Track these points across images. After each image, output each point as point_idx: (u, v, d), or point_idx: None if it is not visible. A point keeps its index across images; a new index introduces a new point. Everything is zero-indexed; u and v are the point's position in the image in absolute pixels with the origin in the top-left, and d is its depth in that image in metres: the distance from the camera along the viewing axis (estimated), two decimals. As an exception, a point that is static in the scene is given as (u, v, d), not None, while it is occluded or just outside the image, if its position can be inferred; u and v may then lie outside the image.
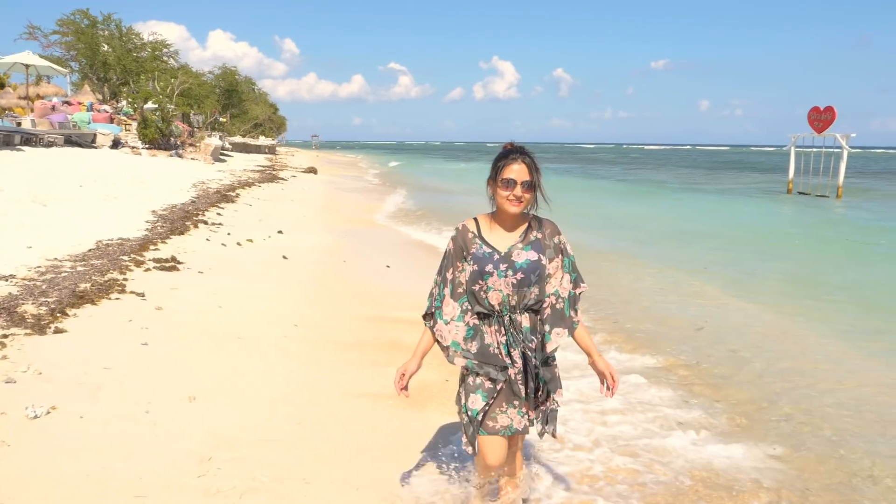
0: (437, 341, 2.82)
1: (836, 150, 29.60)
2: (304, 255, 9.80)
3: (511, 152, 2.68)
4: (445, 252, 2.83)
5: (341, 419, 4.20)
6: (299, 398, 4.45)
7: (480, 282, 2.69)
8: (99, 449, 3.44)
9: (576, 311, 2.81)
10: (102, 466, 3.27)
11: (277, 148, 66.01)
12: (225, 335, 5.59)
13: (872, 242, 14.61)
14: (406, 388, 2.79)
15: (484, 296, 2.70)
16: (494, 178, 2.69)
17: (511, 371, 2.72)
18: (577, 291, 2.81)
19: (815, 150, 30.93)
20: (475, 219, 2.81)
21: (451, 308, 2.78)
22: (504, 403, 2.74)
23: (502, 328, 2.72)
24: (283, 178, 26.85)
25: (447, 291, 2.79)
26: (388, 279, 8.58)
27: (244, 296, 6.97)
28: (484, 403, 2.73)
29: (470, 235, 2.76)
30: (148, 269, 7.61)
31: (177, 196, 15.35)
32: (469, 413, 2.76)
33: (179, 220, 11.50)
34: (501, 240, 2.73)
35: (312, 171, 33.97)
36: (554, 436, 2.87)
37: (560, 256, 2.77)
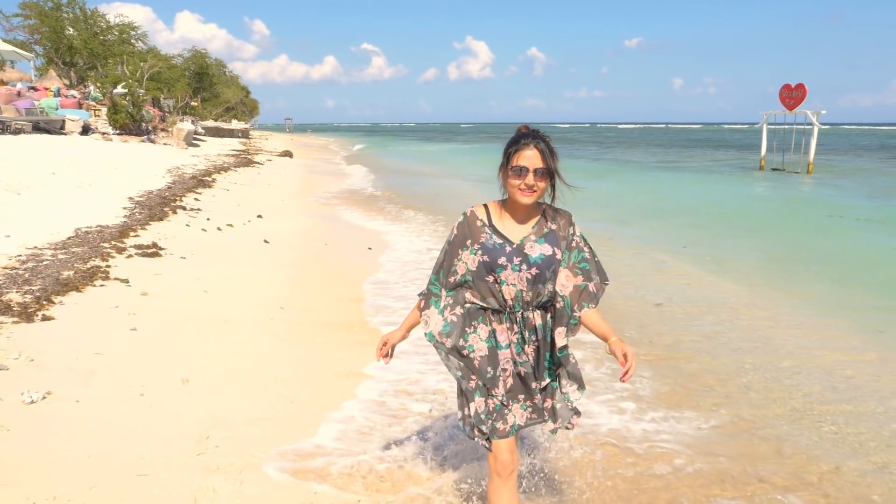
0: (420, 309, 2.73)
1: (807, 127, 30.14)
2: (285, 238, 9.82)
3: (523, 136, 2.46)
4: (448, 238, 2.66)
5: (332, 398, 4.31)
6: (290, 378, 4.54)
7: (493, 275, 2.50)
8: (97, 431, 3.51)
9: (579, 308, 2.57)
10: (102, 448, 3.34)
11: (251, 132, 65.17)
12: (212, 319, 5.64)
13: (846, 217, 15.00)
14: (388, 355, 2.74)
15: (498, 289, 2.52)
16: (505, 164, 2.48)
17: (521, 369, 2.59)
18: (593, 287, 2.60)
19: (786, 126, 31.47)
20: (485, 205, 2.61)
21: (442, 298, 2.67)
22: (510, 402, 2.61)
23: (515, 325, 2.57)
24: (258, 163, 26.62)
25: (439, 279, 2.66)
26: (371, 261, 8.66)
27: (228, 280, 7.01)
28: (483, 401, 2.60)
29: (479, 223, 2.56)
30: (130, 256, 7.59)
31: (152, 182, 15.19)
32: (474, 419, 2.62)
33: (157, 207, 11.43)
34: (513, 230, 2.54)
35: (288, 154, 33.70)
36: (569, 427, 2.68)
37: (568, 253, 2.58)
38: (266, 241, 9.38)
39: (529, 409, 2.65)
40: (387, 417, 4.08)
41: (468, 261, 2.56)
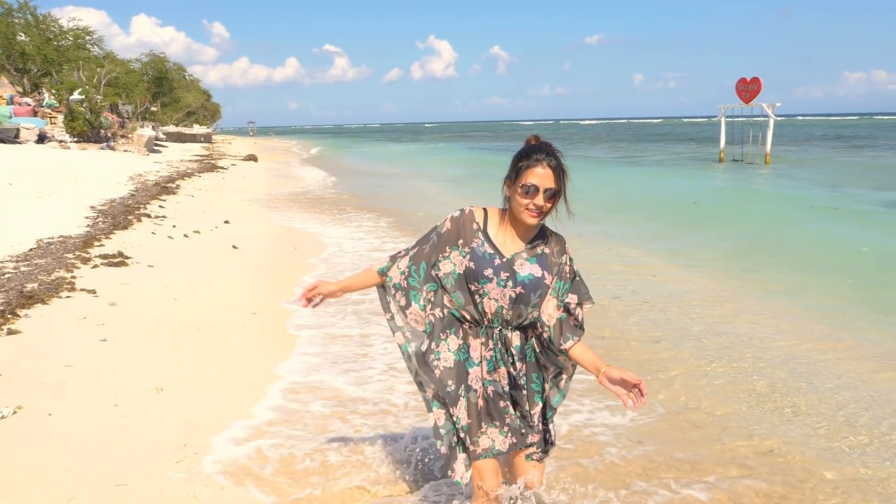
0: (383, 304, 2.62)
1: (763, 119, 30.95)
2: (253, 243, 9.77)
3: (536, 151, 2.31)
4: (437, 228, 2.51)
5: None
6: (266, 382, 4.55)
7: (476, 284, 2.38)
8: (72, 444, 3.48)
9: (565, 338, 2.45)
10: (79, 460, 3.32)
11: (213, 136, 64.25)
12: (184, 326, 5.61)
13: (803, 206, 15.45)
14: (311, 301, 2.62)
15: (479, 300, 2.39)
16: (513, 178, 2.33)
17: (490, 389, 2.45)
18: (579, 312, 2.48)
19: (743, 119, 32.26)
20: (484, 209, 2.47)
21: (427, 290, 2.54)
22: (483, 424, 2.45)
23: (490, 342, 2.44)
24: (223, 168, 26.30)
25: (418, 271, 2.51)
26: (343, 264, 8.66)
27: (198, 287, 6.96)
28: (441, 413, 2.49)
29: (474, 226, 2.43)
30: (96, 266, 7.48)
31: (114, 190, 14.93)
32: (432, 432, 2.55)
33: (121, 215, 11.25)
34: (507, 243, 2.41)
35: (252, 158, 33.35)
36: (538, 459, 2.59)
37: (560, 282, 2.46)
38: (235, 247, 9.31)
39: (509, 434, 2.47)
40: (366, 418, 4.12)
41: (456, 262, 2.42)
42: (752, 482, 3.39)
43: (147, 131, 32.55)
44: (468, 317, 2.44)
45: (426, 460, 3.42)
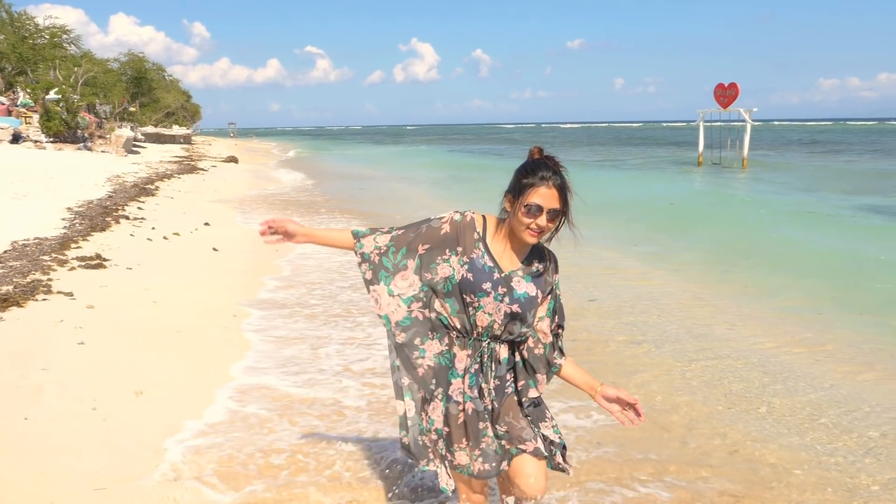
0: (363, 275, 2.40)
1: (740, 124, 31.38)
2: (234, 245, 9.71)
3: (542, 168, 2.20)
4: (431, 223, 2.36)
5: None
6: (248, 385, 4.54)
7: (472, 296, 2.26)
8: (50, 448, 3.45)
9: (560, 351, 2.45)
10: (56, 464, 3.29)
11: (193, 137, 63.67)
12: (164, 329, 5.57)
13: (779, 210, 15.70)
14: (269, 233, 2.45)
15: (472, 312, 2.28)
16: (516, 194, 2.22)
17: (469, 405, 2.34)
18: (560, 333, 2.46)
19: (721, 124, 32.69)
20: (483, 217, 2.36)
21: (406, 283, 2.35)
22: (463, 440, 2.36)
23: (477, 354, 2.34)
24: (203, 169, 26.08)
25: (410, 262, 2.34)
26: (326, 268, 8.64)
27: (178, 289, 6.91)
28: (413, 404, 2.39)
29: (475, 235, 2.30)
30: (73, 268, 7.39)
31: (91, 191, 14.76)
32: (399, 421, 2.45)
33: (99, 217, 11.13)
34: (505, 258, 2.31)
35: (233, 160, 33.09)
36: (565, 471, 2.50)
37: (548, 298, 2.41)
38: (215, 249, 9.25)
39: (479, 458, 2.35)
40: (348, 417, 4.13)
41: (455, 268, 2.28)
42: (718, 481, 3.45)
43: (125, 132, 32.19)
44: (458, 326, 2.32)
45: (383, 462, 3.47)
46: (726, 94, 31.19)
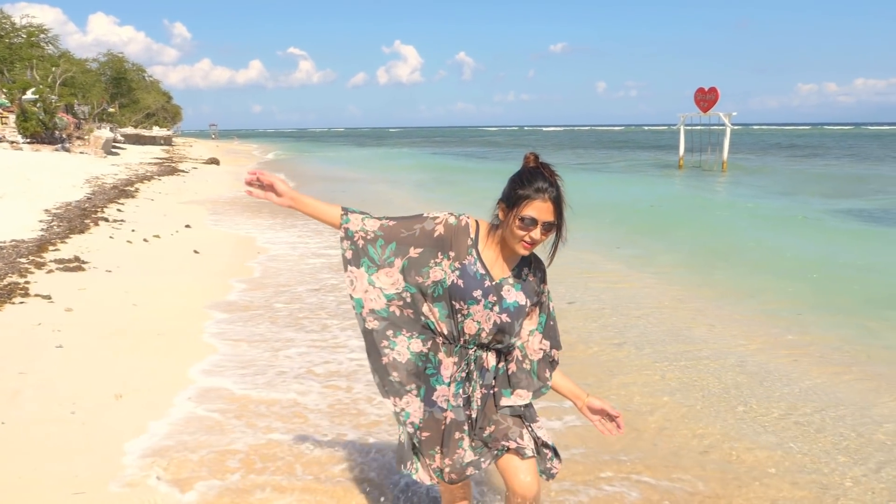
0: (343, 252, 2.30)
1: (720, 128, 31.77)
2: (216, 248, 9.65)
3: (537, 179, 2.13)
4: (425, 224, 2.27)
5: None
6: (231, 388, 4.52)
7: (462, 304, 2.21)
8: (28, 452, 3.42)
9: (549, 375, 2.40)
10: (34, 468, 3.26)
11: (174, 139, 63.10)
12: (144, 333, 5.52)
13: (757, 213, 15.91)
14: (255, 185, 2.32)
15: (460, 319, 2.23)
16: (509, 204, 2.15)
17: (449, 414, 2.29)
18: (555, 355, 2.41)
19: (701, 127, 33.08)
20: (476, 222, 2.30)
21: (389, 280, 2.28)
22: (439, 446, 2.33)
23: (464, 362, 2.27)
24: (183, 171, 25.87)
25: (398, 261, 2.26)
26: (309, 269, 8.61)
27: (159, 292, 6.85)
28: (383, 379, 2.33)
29: (468, 241, 2.24)
30: (51, 271, 7.31)
31: (70, 193, 14.59)
32: (376, 382, 2.37)
33: (77, 219, 11.01)
34: (495, 265, 2.25)
35: (214, 161, 32.84)
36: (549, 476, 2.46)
37: (537, 310, 2.37)
38: (196, 252, 9.19)
39: (448, 469, 2.31)
40: (333, 420, 4.13)
41: (447, 272, 2.22)
42: (692, 480, 3.50)
43: (104, 133, 31.82)
44: (445, 332, 2.27)
45: (342, 463, 3.50)
46: (706, 99, 31.58)
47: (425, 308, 2.27)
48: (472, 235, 2.25)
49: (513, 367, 2.36)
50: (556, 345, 2.41)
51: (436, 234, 2.24)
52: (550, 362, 2.40)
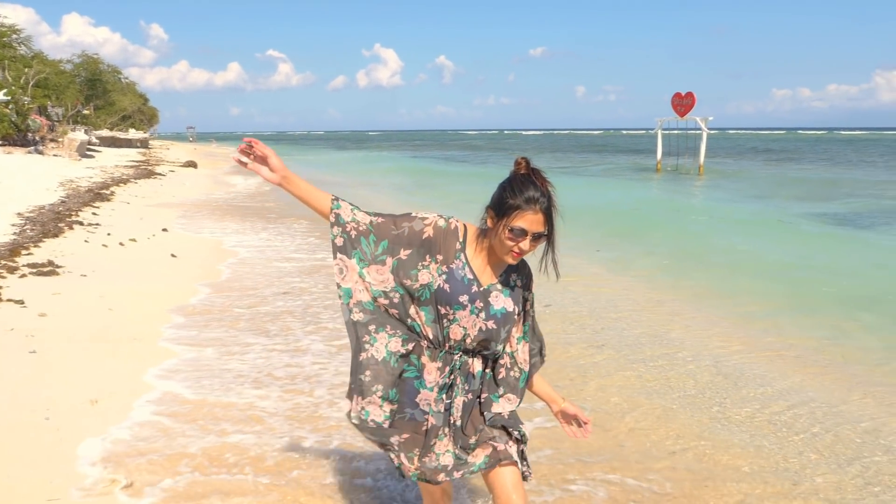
0: (333, 238, 2.23)
1: (697, 132, 32.19)
2: (193, 251, 9.56)
3: (529, 188, 2.07)
4: (413, 224, 2.20)
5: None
6: (210, 392, 4.48)
7: (447, 308, 2.16)
8: (1, 458, 3.36)
9: (532, 380, 2.41)
10: (7, 475, 3.21)
11: (150, 141, 62.37)
12: (120, 338, 5.46)
13: (732, 217, 16.13)
14: (247, 152, 2.21)
15: (446, 324, 2.18)
16: (499, 213, 2.09)
17: (430, 419, 2.23)
18: (535, 362, 2.40)
19: (678, 132, 33.51)
20: (465, 226, 2.24)
21: (380, 277, 2.21)
22: (416, 448, 2.27)
23: (448, 367, 2.22)
24: (160, 174, 25.60)
25: (389, 259, 2.20)
26: (286, 274, 8.57)
27: (135, 297, 6.77)
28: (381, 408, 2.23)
29: (457, 245, 2.19)
30: (24, 276, 7.20)
31: (43, 196, 14.37)
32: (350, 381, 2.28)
33: (51, 222, 10.84)
34: (483, 271, 2.20)
35: (192, 165, 32.53)
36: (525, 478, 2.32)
37: (529, 326, 2.35)
38: (173, 255, 9.10)
39: (422, 468, 2.26)
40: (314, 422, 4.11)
41: (434, 276, 2.17)
42: (666, 479, 3.55)
43: (79, 135, 31.35)
44: (430, 336, 2.21)
45: (297, 466, 3.51)
46: (683, 103, 31.98)
47: (412, 310, 2.22)
48: (461, 239, 2.20)
49: (502, 372, 2.32)
50: (540, 350, 2.40)
51: (424, 235, 2.18)
52: (535, 368, 2.39)
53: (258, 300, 7.00)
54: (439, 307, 2.16)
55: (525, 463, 2.33)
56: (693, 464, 3.74)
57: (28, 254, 8.33)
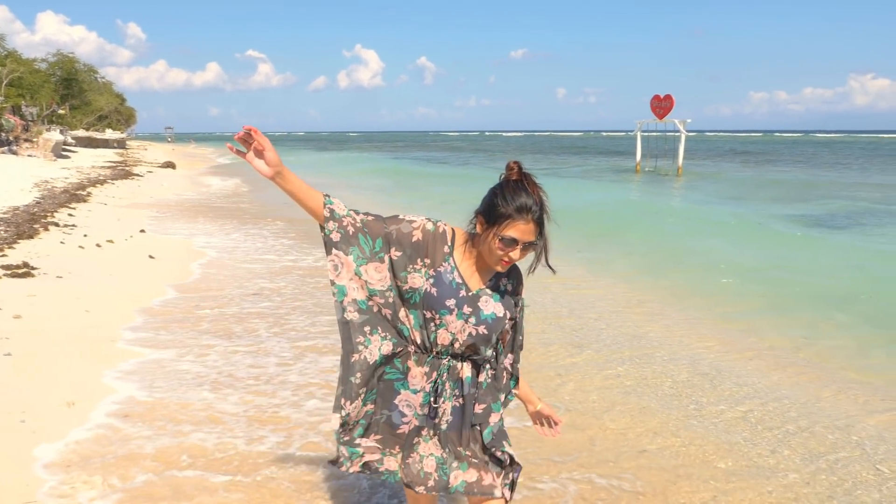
0: (329, 234, 2.12)
1: (675, 134, 32.56)
2: (171, 253, 9.48)
3: (520, 195, 2.02)
4: (401, 226, 2.13)
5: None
6: (187, 393, 4.45)
7: (433, 313, 2.11)
8: (-26, 463, 3.32)
9: (510, 392, 2.36)
10: (-18, 479, 3.17)
11: (128, 142, 61.63)
12: (97, 339, 5.41)
13: (710, 218, 16.33)
14: (244, 139, 2.05)
15: (433, 329, 2.13)
16: (489, 220, 2.05)
17: (412, 420, 2.19)
18: (516, 370, 2.37)
19: (657, 134, 33.87)
20: (453, 230, 2.19)
21: (378, 276, 2.13)
22: (397, 447, 2.22)
23: (435, 373, 2.17)
24: (138, 175, 25.32)
25: (386, 257, 2.12)
26: (265, 274, 8.53)
27: (112, 299, 6.70)
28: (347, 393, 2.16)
29: (445, 249, 2.14)
30: (-2, 278, 7.09)
31: (17, 197, 14.17)
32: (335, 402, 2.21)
33: (26, 223, 10.69)
34: (472, 276, 2.16)
35: (170, 165, 32.20)
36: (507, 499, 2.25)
37: (517, 331, 2.31)
38: (151, 257, 9.01)
39: (405, 469, 2.21)
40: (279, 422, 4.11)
41: (420, 280, 2.11)
42: (637, 477, 3.60)
43: (54, 135, 30.89)
44: (418, 341, 2.16)
45: (257, 468, 3.52)
46: (662, 106, 32.31)
47: (402, 313, 2.16)
48: (449, 243, 2.14)
49: (490, 379, 2.25)
50: (518, 357, 2.35)
51: (414, 238, 2.12)
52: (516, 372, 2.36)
53: (229, 300, 6.96)
54: (425, 312, 2.11)
55: (511, 488, 2.26)
56: (666, 461, 3.79)
57: (2, 255, 8.20)
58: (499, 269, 2.10)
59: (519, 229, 2.01)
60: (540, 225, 2.05)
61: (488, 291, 2.15)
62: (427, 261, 2.11)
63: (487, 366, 2.23)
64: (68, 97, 55.41)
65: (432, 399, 2.17)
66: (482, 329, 2.12)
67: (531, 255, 2.13)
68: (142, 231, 11.17)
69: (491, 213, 2.03)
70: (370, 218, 2.15)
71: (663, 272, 9.63)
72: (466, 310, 2.10)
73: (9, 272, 7.34)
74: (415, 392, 2.17)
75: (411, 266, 2.11)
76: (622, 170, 37.47)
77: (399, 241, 2.11)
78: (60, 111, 52.55)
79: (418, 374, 2.16)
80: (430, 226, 2.13)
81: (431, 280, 2.10)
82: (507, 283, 2.21)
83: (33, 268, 7.64)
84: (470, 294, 2.12)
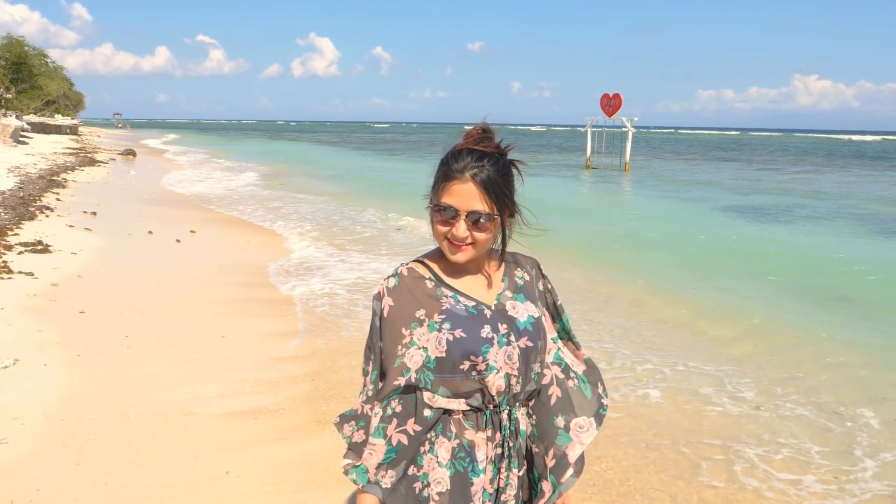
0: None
1: (623, 130, 34.31)
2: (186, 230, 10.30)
3: (464, 156, 1.58)
4: (374, 314, 1.65)
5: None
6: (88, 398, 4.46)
7: (474, 358, 1.58)
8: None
9: (603, 388, 1.80)
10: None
11: (80, 128, 60.45)
12: (159, 304, 6.36)
13: (656, 211, 17.82)
14: None
15: (481, 379, 1.60)
16: (432, 198, 1.62)
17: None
18: (587, 358, 1.83)
19: (607, 130, 35.58)
20: (422, 262, 1.70)
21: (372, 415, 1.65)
22: None
23: (499, 434, 1.64)
24: (103, 162, 25.55)
25: (371, 389, 1.64)
26: (275, 254, 9.45)
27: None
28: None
29: (428, 284, 1.64)
30: (21, 253, 7.90)
31: (-2, 182, 14.63)
32: None
33: (21, 206, 11.34)
34: (479, 286, 1.69)
35: (131, 153, 32.30)
36: None
37: (551, 310, 1.80)
38: (178, 241, 9.84)
39: None
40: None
41: (428, 344, 1.59)
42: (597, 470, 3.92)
43: (12, 121, 30.66)
44: (465, 406, 1.63)
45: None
46: (611, 104, 33.99)
47: (427, 396, 1.61)
48: (428, 276, 1.66)
49: (556, 391, 1.74)
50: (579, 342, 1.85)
51: (385, 312, 1.63)
52: (593, 368, 1.82)
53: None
54: (461, 365, 1.59)
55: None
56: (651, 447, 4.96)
57: (14, 234, 8.96)
58: (452, 257, 1.61)
59: (455, 192, 1.55)
60: (489, 190, 1.55)
61: (509, 294, 1.70)
62: (419, 314, 1.61)
63: (537, 399, 1.74)
64: (18, 81, 54.03)
65: (501, 467, 1.65)
66: (527, 341, 1.64)
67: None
68: (150, 233, 11.87)
69: (434, 183, 1.62)
70: (394, 383, 1.60)
71: (612, 252, 10.86)
72: (502, 329, 1.62)
73: (29, 248, 8.14)
74: (483, 472, 1.65)
75: (400, 348, 1.60)
76: (573, 165, 38.90)
77: (377, 333, 1.65)
78: (8, 96, 51.28)
79: (482, 444, 1.64)
80: (391, 283, 1.64)
81: (447, 324, 1.59)
82: (521, 274, 1.76)
83: (48, 245, 8.45)
84: (494, 309, 1.65)
